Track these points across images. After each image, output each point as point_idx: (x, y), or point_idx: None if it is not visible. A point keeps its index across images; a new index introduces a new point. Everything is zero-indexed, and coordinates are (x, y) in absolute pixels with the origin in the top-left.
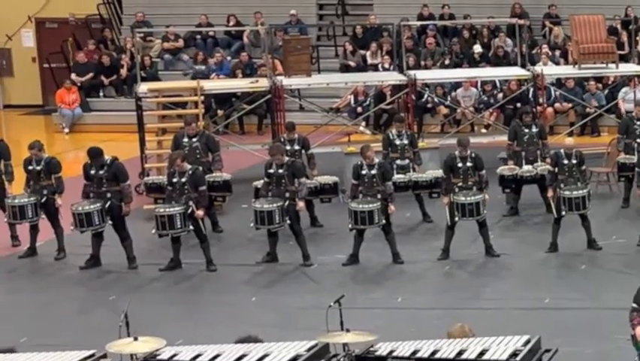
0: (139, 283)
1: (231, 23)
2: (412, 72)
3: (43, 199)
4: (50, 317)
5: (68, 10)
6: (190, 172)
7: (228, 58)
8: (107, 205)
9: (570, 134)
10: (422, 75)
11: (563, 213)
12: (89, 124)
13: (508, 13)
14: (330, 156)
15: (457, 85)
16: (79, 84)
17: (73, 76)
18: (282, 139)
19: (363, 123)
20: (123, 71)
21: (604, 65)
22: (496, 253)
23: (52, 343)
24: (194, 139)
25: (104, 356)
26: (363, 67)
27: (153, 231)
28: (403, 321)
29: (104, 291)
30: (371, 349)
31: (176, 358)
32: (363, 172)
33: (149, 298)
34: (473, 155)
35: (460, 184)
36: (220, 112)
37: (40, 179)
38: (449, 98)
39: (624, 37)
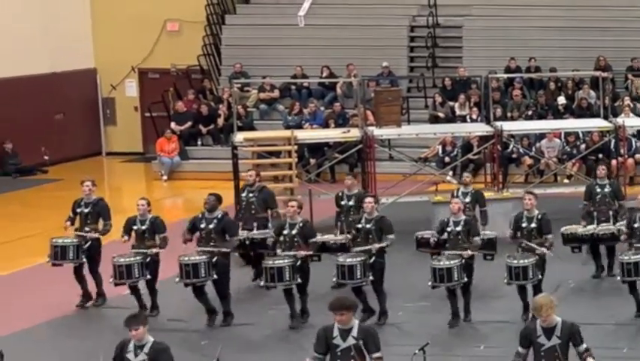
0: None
1: (325, 74)
2: (498, 123)
3: (148, 259)
4: None
5: (170, 61)
6: (300, 225)
7: (322, 108)
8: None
9: None
10: (508, 126)
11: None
12: (187, 172)
13: (592, 66)
14: (417, 205)
15: (541, 136)
16: (178, 133)
17: (172, 125)
18: (341, 193)
19: (450, 173)
20: (220, 120)
21: None
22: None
23: None
24: (251, 194)
25: None
26: (451, 118)
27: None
28: None
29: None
30: None
31: None
32: (449, 229)
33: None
34: (540, 216)
35: (523, 245)
36: (312, 161)
37: (144, 239)
38: (534, 149)
39: None
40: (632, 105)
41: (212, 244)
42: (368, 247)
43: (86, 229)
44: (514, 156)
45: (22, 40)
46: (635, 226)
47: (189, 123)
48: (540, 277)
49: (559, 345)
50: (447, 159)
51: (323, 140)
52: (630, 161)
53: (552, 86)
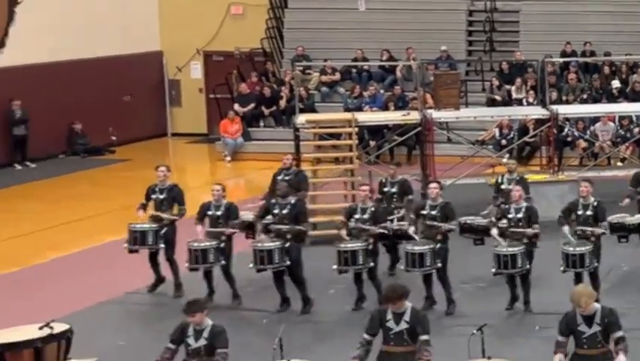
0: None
1: (385, 58)
2: (554, 107)
3: (222, 245)
4: None
5: (234, 44)
6: (372, 209)
7: (381, 91)
8: (286, 245)
9: None
10: (564, 110)
11: None
12: (250, 152)
13: None
14: (474, 187)
15: (595, 119)
16: (241, 114)
17: (236, 106)
18: (385, 180)
19: (507, 155)
20: (282, 102)
21: None
22: None
23: None
24: (287, 177)
25: None
26: (508, 101)
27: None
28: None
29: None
30: None
31: None
32: (510, 216)
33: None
34: (595, 204)
35: (578, 232)
36: (372, 143)
37: (218, 224)
38: (588, 132)
39: None
40: None
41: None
42: (439, 224)
43: (162, 214)
44: (569, 139)
45: (92, 23)
46: None
47: (252, 105)
48: (596, 264)
49: (600, 332)
50: (503, 142)
51: (382, 122)
52: None
53: (606, 70)
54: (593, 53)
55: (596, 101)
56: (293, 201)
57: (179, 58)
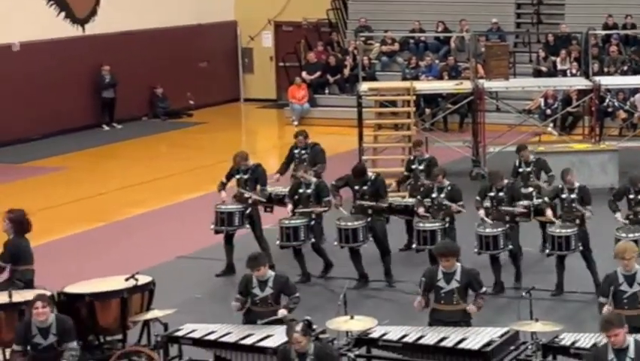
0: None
1: (440, 29)
2: (596, 78)
3: (312, 222)
4: None
5: (302, 15)
6: (449, 188)
7: (437, 61)
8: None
9: None
10: (605, 81)
11: None
12: (316, 118)
13: None
14: None
15: (635, 90)
16: (308, 82)
17: (303, 74)
18: (413, 158)
19: (551, 125)
20: (346, 71)
21: None
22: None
23: None
24: (304, 151)
25: (323, 331)
26: (553, 72)
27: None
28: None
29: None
30: (556, 339)
31: (385, 336)
32: (564, 196)
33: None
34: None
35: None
36: (427, 111)
37: (309, 203)
38: (628, 103)
39: None
40: None
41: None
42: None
43: (246, 195)
44: (609, 109)
45: None
46: None
47: (318, 73)
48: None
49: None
50: (548, 112)
51: (438, 91)
52: None
53: None
54: (633, 26)
55: (635, 72)
56: (373, 178)
57: (252, 27)
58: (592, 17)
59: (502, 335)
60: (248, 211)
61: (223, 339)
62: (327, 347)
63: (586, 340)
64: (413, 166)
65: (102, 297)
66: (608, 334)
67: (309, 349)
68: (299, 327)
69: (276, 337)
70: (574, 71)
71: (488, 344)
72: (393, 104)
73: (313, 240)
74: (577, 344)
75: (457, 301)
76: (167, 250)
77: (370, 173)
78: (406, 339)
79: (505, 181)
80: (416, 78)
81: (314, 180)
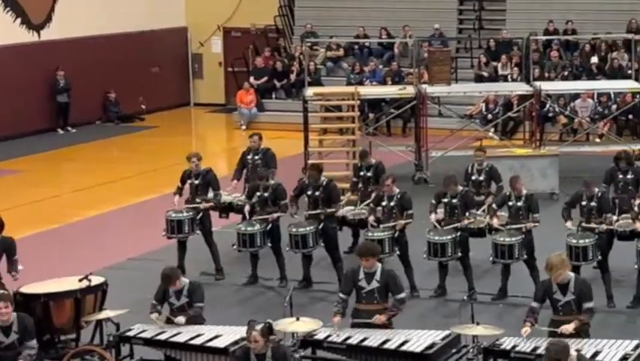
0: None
1: (384, 35)
2: (537, 83)
3: (269, 227)
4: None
5: (250, 21)
6: (398, 196)
7: (380, 67)
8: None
9: None
10: (546, 86)
11: None
12: (263, 122)
13: (625, 28)
14: (462, 160)
15: (575, 96)
16: (256, 87)
17: (251, 79)
18: (360, 165)
19: (492, 130)
20: (293, 76)
21: None
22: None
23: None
24: (257, 156)
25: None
26: (494, 77)
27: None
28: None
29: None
30: (497, 343)
31: (330, 338)
32: (511, 203)
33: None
34: (600, 195)
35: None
36: (371, 115)
37: (267, 206)
38: (568, 109)
39: None
40: None
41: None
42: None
43: (197, 200)
44: (550, 114)
45: (124, 2)
46: None
47: (265, 78)
48: (599, 257)
49: (573, 300)
50: (489, 117)
51: (381, 96)
52: None
53: (587, 48)
54: (574, 32)
55: (576, 78)
56: (324, 183)
57: (202, 33)
58: (533, 23)
59: (443, 338)
60: (199, 217)
61: (173, 339)
62: (283, 349)
63: (526, 344)
64: (361, 173)
65: (57, 297)
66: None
67: (267, 351)
68: (259, 327)
69: (225, 337)
70: (515, 77)
71: (430, 346)
72: (338, 108)
73: (270, 244)
74: (517, 348)
75: (377, 301)
76: (119, 251)
77: (323, 178)
78: (349, 341)
79: (460, 188)
80: (360, 83)
81: (272, 182)
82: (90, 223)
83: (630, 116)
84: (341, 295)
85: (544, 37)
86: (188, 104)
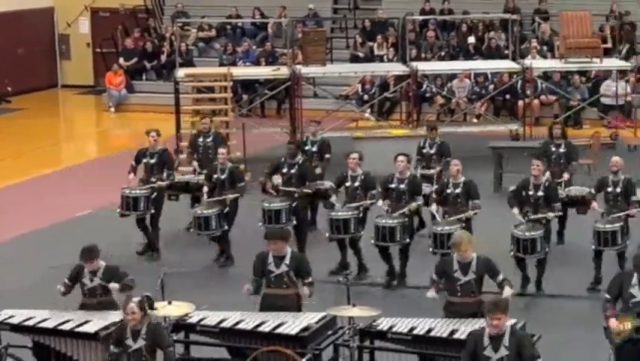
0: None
1: (257, 15)
2: (413, 63)
3: (226, 210)
4: None
5: (119, 1)
6: (362, 177)
7: (254, 47)
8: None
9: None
10: (422, 66)
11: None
12: (133, 104)
13: (502, 8)
14: (339, 140)
15: (452, 76)
16: (125, 68)
17: (120, 60)
18: (306, 139)
19: (369, 110)
20: (163, 57)
21: (589, 60)
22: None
23: None
24: (208, 139)
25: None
26: (370, 58)
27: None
28: (403, 299)
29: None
30: (373, 324)
31: (203, 322)
32: (449, 191)
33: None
34: (547, 184)
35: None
36: (245, 96)
37: (224, 188)
38: (445, 89)
39: (607, 31)
40: (538, 47)
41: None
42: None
43: (152, 179)
44: (427, 95)
45: None
46: (609, 190)
47: (135, 59)
48: (547, 249)
49: (474, 280)
50: (365, 97)
51: (255, 77)
52: (536, 102)
53: (464, 28)
54: (450, 11)
55: (453, 58)
56: (300, 161)
57: (69, 14)
58: (409, 3)
59: (319, 321)
60: (154, 196)
61: (41, 325)
62: (159, 325)
63: (403, 325)
64: (306, 147)
65: None
66: (493, 316)
67: (143, 328)
68: (137, 299)
69: (95, 322)
70: (391, 57)
71: (306, 329)
72: (211, 90)
73: (226, 227)
74: (394, 329)
75: (287, 285)
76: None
77: (299, 156)
78: (223, 324)
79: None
80: (233, 64)
81: (229, 165)
82: None
83: (507, 96)
84: (254, 277)
85: (421, 17)
86: (56, 86)
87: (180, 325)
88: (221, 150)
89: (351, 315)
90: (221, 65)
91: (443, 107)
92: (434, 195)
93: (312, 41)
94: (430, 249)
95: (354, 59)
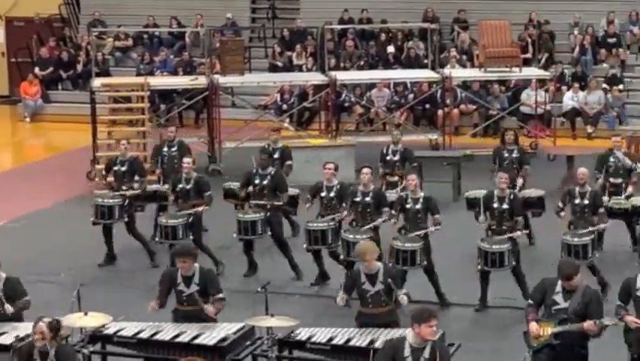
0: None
1: (174, 25)
2: (332, 73)
3: (191, 219)
4: None
5: (34, 10)
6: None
7: (171, 57)
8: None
9: (474, 135)
10: (341, 76)
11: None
12: (49, 114)
13: (421, 17)
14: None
15: (371, 86)
16: (41, 78)
17: (36, 70)
18: (267, 145)
19: (288, 120)
20: (79, 67)
21: (508, 69)
22: None
23: None
24: (173, 149)
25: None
26: (289, 67)
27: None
28: (321, 309)
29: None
30: (292, 334)
31: (120, 333)
32: (408, 206)
33: (102, 280)
34: (512, 197)
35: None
36: (162, 106)
37: (189, 198)
38: (364, 98)
39: (528, 40)
40: (457, 57)
41: (265, 200)
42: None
43: (124, 187)
44: (346, 104)
45: None
46: (576, 202)
47: (51, 69)
48: (514, 263)
49: (382, 290)
50: (285, 107)
51: (172, 86)
52: (455, 111)
53: (383, 37)
54: (369, 21)
55: (372, 67)
56: (272, 173)
57: None
58: (328, 12)
59: (237, 331)
60: (126, 204)
61: None
62: (67, 347)
63: (321, 335)
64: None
65: None
66: (429, 324)
67: (51, 350)
68: (47, 319)
69: (10, 333)
70: (310, 66)
71: (224, 339)
72: (128, 100)
73: (192, 236)
74: (313, 339)
75: (199, 303)
76: None
77: (271, 168)
78: (141, 335)
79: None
80: (151, 74)
81: (194, 174)
82: None
83: (427, 106)
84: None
85: (340, 27)
86: None
87: (97, 336)
88: (186, 160)
89: (269, 325)
90: (139, 74)
91: (362, 117)
92: (393, 212)
93: (230, 51)
94: (341, 256)
95: (273, 69)
